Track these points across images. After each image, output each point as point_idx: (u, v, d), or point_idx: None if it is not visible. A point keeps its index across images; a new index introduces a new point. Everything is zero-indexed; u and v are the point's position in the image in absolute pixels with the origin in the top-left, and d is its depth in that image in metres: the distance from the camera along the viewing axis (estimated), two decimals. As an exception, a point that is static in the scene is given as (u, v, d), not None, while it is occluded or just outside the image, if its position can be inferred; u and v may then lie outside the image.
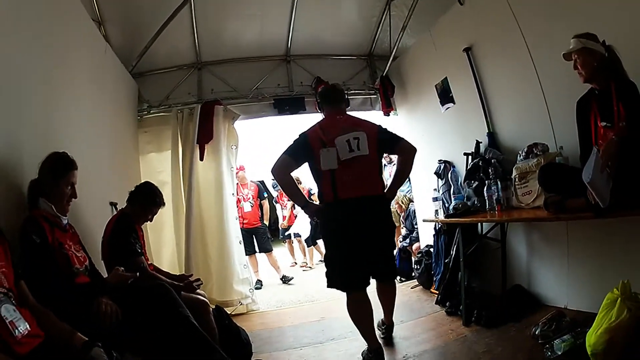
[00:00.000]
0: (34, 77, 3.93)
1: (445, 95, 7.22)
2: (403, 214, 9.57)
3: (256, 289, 8.92)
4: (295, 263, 13.18)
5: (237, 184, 9.72)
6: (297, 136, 4.90)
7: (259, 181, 12.18)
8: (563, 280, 5.28)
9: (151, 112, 8.13)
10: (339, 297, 7.38)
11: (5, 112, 3.43)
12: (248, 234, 10.10)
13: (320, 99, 5.36)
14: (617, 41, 3.92)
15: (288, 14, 7.81)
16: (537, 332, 4.50)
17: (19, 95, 3.66)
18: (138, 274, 3.89)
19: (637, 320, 3.43)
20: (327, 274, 4.93)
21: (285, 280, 10.49)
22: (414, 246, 8.40)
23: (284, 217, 13.18)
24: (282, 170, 4.85)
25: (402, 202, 9.54)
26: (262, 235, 10.77)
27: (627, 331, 3.44)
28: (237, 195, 9.85)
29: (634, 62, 3.86)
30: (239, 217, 9.46)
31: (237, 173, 9.53)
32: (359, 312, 4.79)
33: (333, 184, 4.67)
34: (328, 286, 4.85)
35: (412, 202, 9.33)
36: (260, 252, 10.67)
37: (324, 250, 11.31)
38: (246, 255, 8.93)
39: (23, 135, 3.66)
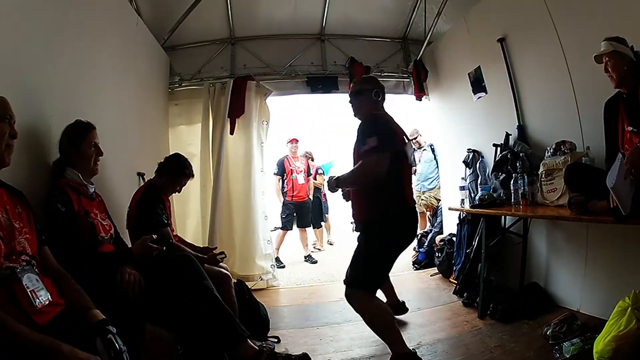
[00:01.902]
0: (63, 49, 3.97)
1: (477, 84, 7.17)
2: (430, 212, 9.67)
3: (279, 267, 9.03)
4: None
5: (288, 156, 9.97)
6: (376, 123, 4.33)
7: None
8: (578, 283, 5.30)
9: (182, 85, 8.17)
10: None
11: (33, 83, 3.48)
12: (296, 208, 10.28)
13: (379, 89, 4.61)
14: None
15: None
16: (548, 332, 4.53)
17: (48, 66, 3.71)
18: (165, 247, 3.92)
19: None
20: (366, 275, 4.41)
21: (310, 259, 10.45)
22: (437, 238, 8.32)
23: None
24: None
25: (431, 203, 9.64)
26: (307, 210, 10.84)
27: (634, 340, 3.46)
28: (290, 166, 10.16)
29: None
30: (289, 189, 9.84)
31: (293, 144, 9.97)
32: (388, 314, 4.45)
33: (402, 188, 4.39)
34: (355, 286, 4.32)
35: (440, 200, 9.35)
36: (299, 227, 10.67)
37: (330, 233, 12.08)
38: (298, 227, 9.64)
39: (51, 106, 3.71)
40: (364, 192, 4.40)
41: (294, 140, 10.54)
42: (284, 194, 10.05)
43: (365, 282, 4.27)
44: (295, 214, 10.44)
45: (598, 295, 4.97)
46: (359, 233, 4.52)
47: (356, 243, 4.47)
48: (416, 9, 8.38)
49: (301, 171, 10.67)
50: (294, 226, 10.66)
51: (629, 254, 4.53)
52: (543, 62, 5.81)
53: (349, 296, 4.29)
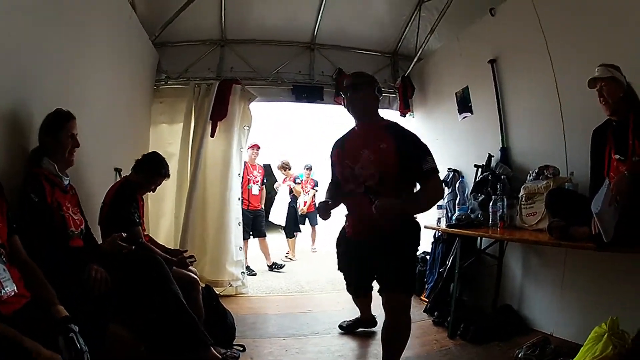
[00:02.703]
0: (51, 36, 3.93)
1: (464, 104, 7.25)
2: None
3: (251, 274, 9.06)
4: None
5: (246, 163, 9.69)
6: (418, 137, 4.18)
7: (266, 165, 12.24)
8: (553, 307, 5.32)
9: (168, 83, 8.12)
10: (329, 291, 7.68)
11: (18, 67, 3.45)
12: (250, 217, 10.03)
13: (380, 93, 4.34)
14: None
15: (318, 1, 7.78)
16: (520, 355, 4.51)
17: (33, 51, 3.67)
18: (134, 247, 3.92)
19: (621, 358, 3.44)
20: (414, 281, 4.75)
21: (276, 267, 10.46)
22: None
23: (304, 203, 13.26)
24: None
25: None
26: (261, 220, 10.68)
27: None
28: (247, 175, 9.94)
29: None
30: (245, 198, 9.56)
31: (250, 149, 9.75)
32: None
33: None
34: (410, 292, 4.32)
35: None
36: (254, 237, 10.47)
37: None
38: (253, 237, 9.34)
39: (35, 94, 3.68)
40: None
41: (255, 147, 10.37)
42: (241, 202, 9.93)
43: (414, 288, 4.36)
44: (251, 224, 10.25)
45: (573, 320, 5.01)
46: (378, 242, 4.04)
47: (373, 251, 4.12)
48: (410, 24, 8.42)
49: (257, 181, 10.59)
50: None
51: (606, 280, 4.61)
52: (533, 86, 5.88)
53: (405, 304, 4.22)
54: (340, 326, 5.72)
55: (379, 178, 3.91)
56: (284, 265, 10.64)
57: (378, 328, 5.42)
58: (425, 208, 4.10)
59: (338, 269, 4.93)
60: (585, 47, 4.91)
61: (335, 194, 4.50)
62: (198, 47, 8.27)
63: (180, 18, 7.26)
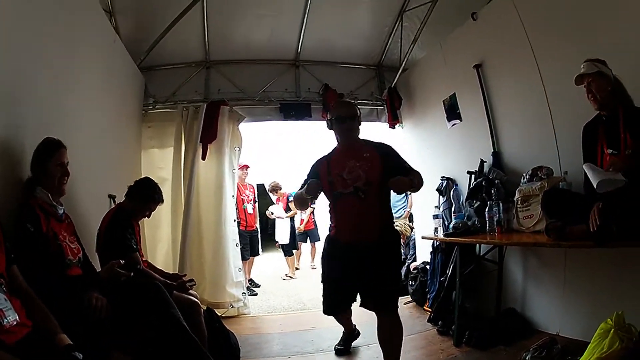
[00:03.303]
0: (38, 64, 3.91)
1: (452, 111, 7.25)
2: (404, 240, 9.52)
3: (252, 294, 9.04)
4: (297, 268, 13.31)
5: (237, 183, 9.58)
6: None
7: (258, 184, 12.29)
8: (557, 307, 5.32)
9: (156, 107, 8.11)
10: None
11: (6, 97, 3.42)
12: (247, 237, 10.13)
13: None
14: (628, 70, 4.00)
15: (300, 18, 7.81)
16: (527, 358, 4.50)
17: (22, 81, 3.66)
18: (132, 274, 3.87)
19: (628, 352, 3.44)
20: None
21: (252, 284, 10.49)
22: (411, 266, 8.26)
23: (301, 221, 13.30)
24: None
25: (405, 230, 9.56)
26: (256, 239, 10.82)
27: None
28: (241, 195, 10.03)
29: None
30: (242, 219, 9.72)
31: (239, 169, 9.61)
32: None
33: None
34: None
35: (413, 229, 9.39)
36: (252, 255, 10.64)
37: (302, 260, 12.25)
38: (246, 259, 9.18)
39: (25, 123, 3.65)
40: (385, 206, 4.72)
41: (245, 167, 10.49)
42: (237, 223, 9.90)
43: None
44: (248, 244, 10.34)
45: (578, 318, 5.00)
46: (368, 249, 4.46)
47: (368, 258, 4.45)
48: (392, 35, 8.45)
49: (250, 200, 10.73)
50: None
51: (608, 276, 4.62)
52: (520, 88, 5.90)
53: (396, 312, 4.56)
54: (337, 350, 5.69)
55: (365, 179, 4.44)
56: (259, 286, 10.79)
57: (367, 336, 5.52)
58: (420, 185, 4.54)
59: (324, 281, 4.95)
60: (570, 44, 4.95)
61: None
62: (184, 69, 8.28)
63: (165, 41, 7.25)
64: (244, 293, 7.78)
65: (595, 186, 3.59)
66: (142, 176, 5.53)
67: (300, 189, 4.80)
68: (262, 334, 6.61)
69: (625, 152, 3.78)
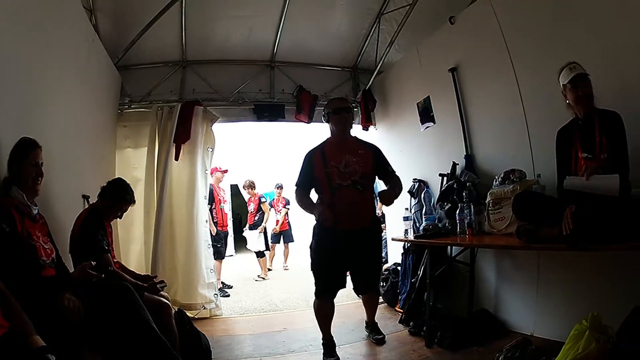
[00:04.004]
0: (13, 61, 3.87)
1: (426, 114, 7.32)
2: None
3: (224, 296, 9.04)
4: (270, 269, 13.31)
5: (213, 185, 9.86)
6: None
7: (232, 184, 12.34)
8: (531, 308, 5.37)
9: (132, 106, 8.06)
10: (303, 308, 7.69)
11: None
12: (222, 237, 10.22)
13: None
14: (600, 74, 4.06)
15: (277, 19, 7.81)
16: (500, 358, 4.50)
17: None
18: (103, 275, 3.86)
19: (605, 353, 3.47)
20: None
21: (224, 286, 10.53)
22: (382, 267, 8.28)
23: (277, 222, 13.53)
24: None
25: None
26: (226, 240, 11.00)
27: None
28: (218, 196, 10.19)
29: (613, 97, 4.04)
30: (219, 219, 9.85)
31: (220, 172, 10.05)
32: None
33: None
34: None
35: (384, 230, 9.33)
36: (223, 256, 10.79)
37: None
38: (219, 259, 9.25)
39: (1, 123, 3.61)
40: (373, 198, 5.53)
41: (225, 171, 10.65)
42: (215, 224, 10.02)
43: None
44: (224, 244, 10.49)
45: (552, 319, 5.06)
46: (356, 239, 5.19)
47: (358, 247, 5.21)
48: (369, 37, 8.48)
49: (226, 201, 10.93)
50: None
51: (581, 277, 4.69)
52: (496, 92, 5.98)
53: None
54: None
55: (361, 173, 5.15)
56: (231, 287, 10.84)
57: (337, 336, 5.52)
58: (400, 191, 5.30)
59: (314, 268, 5.43)
60: (547, 49, 5.02)
61: (310, 200, 5.41)
62: (160, 69, 8.24)
63: (143, 40, 7.24)
64: (215, 294, 7.79)
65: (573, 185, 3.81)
66: (116, 176, 5.61)
67: (299, 179, 5.38)
68: (234, 335, 6.62)
69: (601, 156, 3.84)
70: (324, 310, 5.45)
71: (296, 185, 5.41)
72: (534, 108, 5.35)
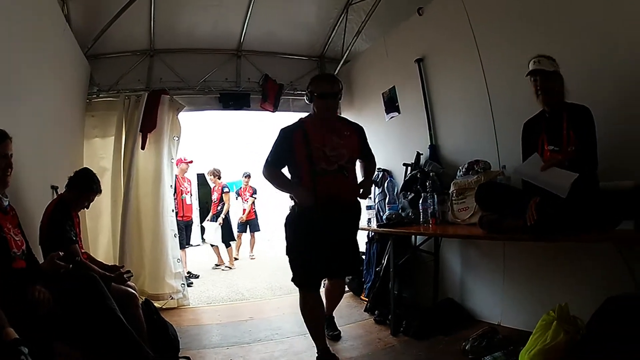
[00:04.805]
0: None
1: (391, 104, 7.45)
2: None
3: (189, 285, 8.99)
4: (236, 258, 13.33)
5: (177, 175, 9.87)
6: None
7: (199, 174, 12.38)
8: (498, 297, 5.48)
9: (100, 96, 8.01)
10: (269, 297, 7.93)
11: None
12: (183, 227, 10.22)
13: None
14: (569, 67, 4.12)
15: (245, 8, 7.80)
16: (467, 347, 4.62)
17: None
18: (71, 265, 3.93)
19: (574, 344, 3.57)
20: None
21: (190, 275, 10.59)
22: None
23: (243, 211, 13.70)
24: None
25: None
26: (190, 230, 11.18)
27: (563, 353, 3.58)
28: (180, 187, 10.20)
29: (580, 93, 4.05)
30: (178, 209, 9.78)
31: (185, 164, 10.08)
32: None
33: None
34: None
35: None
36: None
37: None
38: (183, 248, 9.10)
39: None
40: (355, 183, 4.97)
41: (190, 162, 10.75)
42: (175, 213, 9.93)
43: None
44: (184, 234, 10.50)
45: (519, 308, 5.17)
46: (337, 216, 4.77)
47: (340, 226, 4.83)
48: (337, 27, 8.51)
49: (188, 192, 10.96)
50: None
51: (547, 267, 4.80)
52: (462, 83, 6.10)
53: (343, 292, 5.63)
54: None
55: (348, 158, 4.79)
56: (198, 277, 10.96)
57: (302, 324, 5.32)
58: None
59: (292, 254, 4.88)
60: (515, 41, 5.11)
61: (286, 178, 4.93)
62: (129, 58, 8.20)
63: (112, 29, 7.21)
64: (183, 284, 7.82)
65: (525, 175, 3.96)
66: (84, 166, 5.61)
67: (272, 157, 4.83)
68: (202, 325, 6.69)
69: (568, 149, 3.90)
70: (310, 306, 4.87)
71: (267, 162, 4.81)
72: (500, 100, 5.44)
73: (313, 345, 4.95)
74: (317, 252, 4.69)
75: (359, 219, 5.13)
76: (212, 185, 12.80)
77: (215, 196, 12.65)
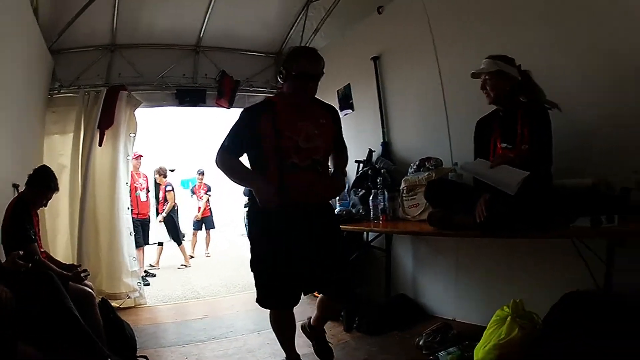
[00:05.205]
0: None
1: (345, 101, 7.60)
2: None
3: (145, 284, 9.01)
4: (191, 256, 13.48)
5: (132, 172, 9.65)
6: None
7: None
8: (452, 293, 5.66)
9: (61, 91, 7.93)
10: (223, 295, 8.09)
11: None
12: (140, 225, 10.21)
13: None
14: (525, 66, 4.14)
15: (206, 3, 7.84)
16: (420, 343, 4.75)
17: None
18: (30, 264, 4.01)
19: (530, 339, 3.67)
20: None
21: (147, 274, 10.65)
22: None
23: (198, 209, 13.83)
24: None
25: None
26: (148, 227, 11.07)
27: (519, 349, 3.68)
28: (134, 183, 10.11)
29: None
30: (134, 206, 9.68)
31: (134, 159, 9.92)
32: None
33: None
34: None
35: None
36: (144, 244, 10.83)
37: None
38: (137, 247, 9.03)
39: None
40: (326, 174, 4.12)
41: (139, 157, 10.67)
42: (130, 211, 9.89)
43: None
44: (141, 232, 10.44)
45: (473, 304, 5.34)
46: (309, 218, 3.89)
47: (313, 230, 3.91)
48: (296, 24, 8.60)
49: (144, 188, 10.90)
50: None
51: (502, 264, 4.99)
52: (418, 81, 6.28)
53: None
54: None
55: (324, 151, 3.98)
56: (154, 275, 11.00)
57: (258, 322, 5.74)
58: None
59: (255, 267, 4.08)
60: (472, 42, 5.27)
61: (245, 167, 4.04)
62: (91, 53, 8.12)
63: (77, 23, 7.20)
64: (139, 283, 7.87)
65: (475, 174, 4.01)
66: (43, 164, 5.60)
67: (229, 141, 3.91)
68: (158, 324, 6.77)
69: (521, 147, 3.94)
70: (279, 325, 4.41)
71: (223, 147, 3.93)
72: (455, 98, 5.62)
73: (267, 342, 5.20)
74: (287, 267, 3.87)
75: (336, 222, 4.38)
76: (159, 181, 12.77)
77: (161, 194, 12.65)
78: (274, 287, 4.01)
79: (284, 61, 3.95)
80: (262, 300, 4.11)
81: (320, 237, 3.93)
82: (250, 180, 3.97)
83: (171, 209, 12.25)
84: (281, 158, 3.77)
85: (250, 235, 4.34)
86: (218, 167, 4.01)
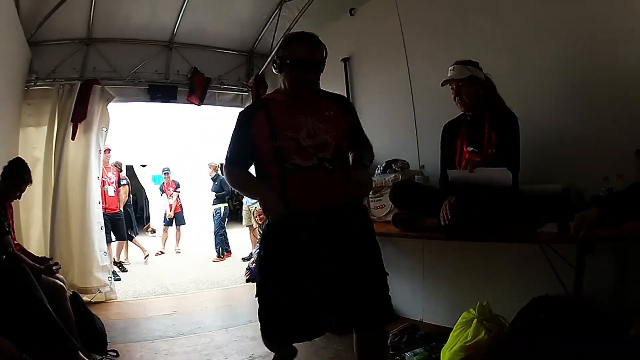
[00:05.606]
0: None
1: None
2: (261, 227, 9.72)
3: (116, 279, 8.98)
4: (162, 252, 13.72)
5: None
6: None
7: (128, 166, 12.32)
8: (419, 294, 5.72)
9: (37, 84, 7.89)
10: (193, 291, 8.23)
11: None
12: (108, 220, 10.06)
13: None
14: (498, 72, 4.30)
15: (181, 1, 7.84)
16: (387, 343, 4.73)
17: None
18: (4, 257, 4.11)
19: (497, 341, 3.75)
20: None
21: (120, 266, 10.84)
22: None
23: (170, 207, 13.76)
24: None
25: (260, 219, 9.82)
26: (121, 222, 11.03)
27: (486, 351, 3.75)
28: (103, 177, 9.93)
29: (509, 98, 4.18)
30: (102, 201, 9.44)
31: (106, 152, 9.88)
32: None
33: None
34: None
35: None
36: (116, 239, 10.92)
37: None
38: (116, 239, 9.26)
39: None
40: (344, 182, 3.20)
41: (107, 150, 10.44)
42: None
43: None
44: (111, 226, 10.44)
45: (440, 305, 5.42)
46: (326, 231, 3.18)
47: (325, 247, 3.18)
48: (269, 23, 8.65)
49: (112, 182, 10.93)
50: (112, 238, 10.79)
51: (470, 267, 5.07)
52: (387, 84, 6.38)
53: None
54: None
55: (334, 148, 3.25)
56: (126, 271, 11.14)
57: (226, 319, 5.84)
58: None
59: (260, 295, 3.36)
60: (442, 46, 5.37)
61: (252, 177, 3.42)
62: (67, 46, 8.10)
63: (56, 16, 7.17)
64: (109, 277, 7.91)
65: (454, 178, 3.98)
66: (17, 156, 5.61)
67: (230, 152, 3.36)
68: (128, 318, 6.82)
69: (488, 151, 3.96)
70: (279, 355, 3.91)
71: (226, 160, 3.44)
72: (423, 101, 5.73)
73: (234, 339, 5.27)
74: (298, 292, 3.22)
75: (368, 232, 3.51)
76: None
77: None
78: (281, 316, 3.29)
79: (277, 49, 3.48)
80: (263, 333, 3.45)
81: (342, 250, 3.20)
82: (255, 191, 3.62)
83: (125, 203, 12.08)
84: (281, 160, 3.19)
85: (259, 255, 3.47)
86: (227, 183, 3.92)
